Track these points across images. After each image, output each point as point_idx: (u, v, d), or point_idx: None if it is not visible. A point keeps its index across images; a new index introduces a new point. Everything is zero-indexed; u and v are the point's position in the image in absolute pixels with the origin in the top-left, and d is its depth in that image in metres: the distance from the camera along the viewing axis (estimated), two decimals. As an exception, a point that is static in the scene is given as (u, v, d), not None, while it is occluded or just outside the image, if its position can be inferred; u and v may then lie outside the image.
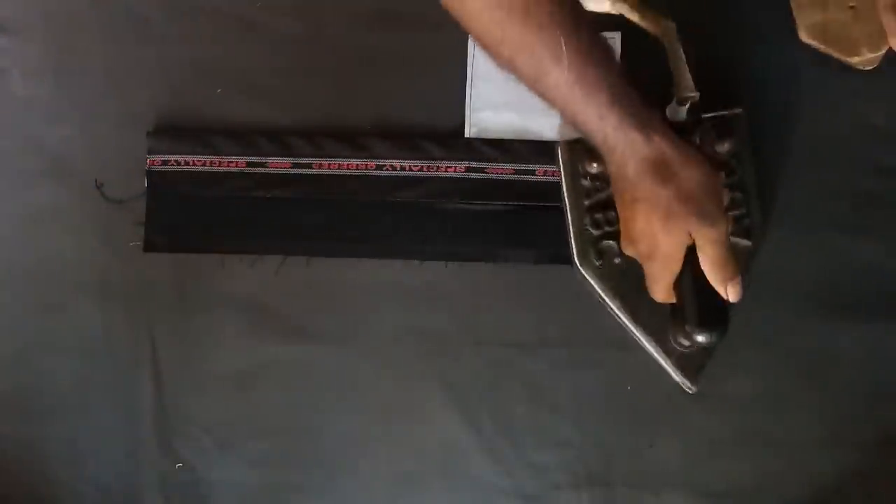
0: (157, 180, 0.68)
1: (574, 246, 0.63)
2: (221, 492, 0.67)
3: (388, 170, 0.67)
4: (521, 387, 0.65)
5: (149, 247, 0.68)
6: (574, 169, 0.63)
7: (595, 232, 0.62)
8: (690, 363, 0.61)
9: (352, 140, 0.67)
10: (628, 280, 0.60)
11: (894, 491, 0.62)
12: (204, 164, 0.68)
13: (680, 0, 0.64)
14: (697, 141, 0.60)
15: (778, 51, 0.64)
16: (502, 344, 0.65)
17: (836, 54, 0.61)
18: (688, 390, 0.62)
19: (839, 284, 0.63)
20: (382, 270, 0.66)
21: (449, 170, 0.66)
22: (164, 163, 0.68)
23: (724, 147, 0.62)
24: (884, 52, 0.59)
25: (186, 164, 0.68)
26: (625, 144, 0.53)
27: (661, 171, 0.53)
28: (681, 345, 0.60)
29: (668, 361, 0.61)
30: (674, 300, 0.57)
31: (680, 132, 0.56)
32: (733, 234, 0.60)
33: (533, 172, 0.65)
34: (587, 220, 0.63)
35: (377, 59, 0.67)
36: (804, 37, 0.61)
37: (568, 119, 0.54)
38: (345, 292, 0.66)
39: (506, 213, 0.65)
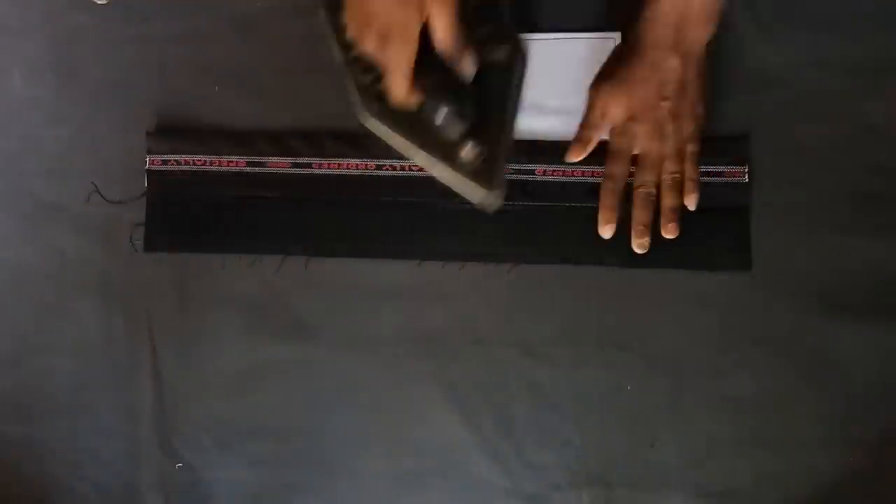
0: (157, 180, 0.68)
1: (357, 98, 0.60)
2: (221, 492, 0.67)
3: (387, 170, 0.67)
4: (521, 387, 0.65)
5: (149, 247, 0.68)
6: (336, 24, 0.61)
7: (369, 77, 0.59)
8: (482, 173, 0.59)
9: (351, 140, 0.67)
10: (409, 116, 0.58)
11: (894, 491, 0.62)
12: (204, 164, 0.68)
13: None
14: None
15: (778, 51, 0.64)
16: (502, 344, 0.65)
17: None
18: (490, 206, 0.60)
19: (839, 284, 0.63)
20: (382, 270, 0.66)
21: (449, 170, 0.66)
22: (164, 163, 0.68)
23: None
24: None
25: (186, 163, 0.68)
26: None
27: None
28: (463, 158, 0.58)
29: (460, 176, 0.59)
30: (413, 98, 0.56)
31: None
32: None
33: (532, 172, 0.65)
34: (358, 70, 0.60)
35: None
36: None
37: None
38: (345, 292, 0.66)
39: (505, 213, 0.65)
